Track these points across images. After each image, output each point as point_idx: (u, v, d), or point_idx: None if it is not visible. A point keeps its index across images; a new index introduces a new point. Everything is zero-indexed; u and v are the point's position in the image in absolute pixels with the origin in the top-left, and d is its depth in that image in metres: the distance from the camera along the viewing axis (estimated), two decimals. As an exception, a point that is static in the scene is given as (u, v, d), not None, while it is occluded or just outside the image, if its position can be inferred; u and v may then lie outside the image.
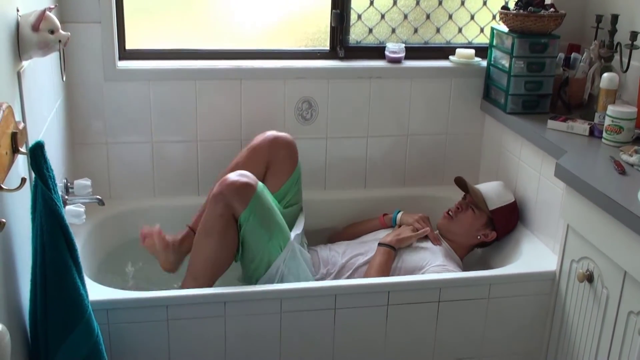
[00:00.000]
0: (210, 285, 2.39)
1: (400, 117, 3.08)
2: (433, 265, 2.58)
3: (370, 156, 3.12)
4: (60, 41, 1.88)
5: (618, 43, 2.70)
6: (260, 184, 2.45)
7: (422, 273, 2.56)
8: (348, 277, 2.59)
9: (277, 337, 2.35)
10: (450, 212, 2.76)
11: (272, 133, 2.70)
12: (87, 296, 1.85)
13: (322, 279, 2.60)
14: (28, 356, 1.82)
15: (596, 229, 2.15)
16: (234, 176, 2.41)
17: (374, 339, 2.43)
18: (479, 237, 2.74)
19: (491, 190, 2.79)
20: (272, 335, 2.35)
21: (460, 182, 2.83)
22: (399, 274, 2.57)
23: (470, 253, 2.82)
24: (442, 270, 2.55)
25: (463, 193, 2.83)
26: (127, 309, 2.23)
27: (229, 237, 2.41)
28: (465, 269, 2.65)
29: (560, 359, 2.42)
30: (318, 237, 2.93)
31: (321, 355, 2.41)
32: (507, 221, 2.77)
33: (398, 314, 2.41)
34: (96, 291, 2.20)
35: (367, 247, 2.71)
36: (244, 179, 2.39)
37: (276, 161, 2.67)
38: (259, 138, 2.70)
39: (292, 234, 2.54)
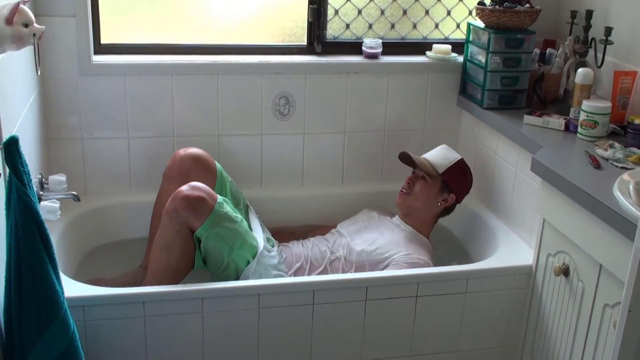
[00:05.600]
0: None
1: (378, 113, 3.08)
2: (399, 255, 2.55)
3: (348, 152, 3.11)
4: (34, 35, 1.85)
5: (592, 38, 2.72)
6: (219, 198, 2.39)
7: (387, 264, 2.54)
8: (322, 272, 2.58)
9: (255, 333, 2.34)
10: (403, 189, 2.75)
11: (178, 152, 2.66)
12: (62, 293, 1.83)
13: (296, 274, 2.59)
14: (2, 354, 1.79)
15: (572, 223, 2.16)
16: (187, 190, 2.34)
17: (352, 334, 2.43)
18: (439, 204, 2.73)
19: (435, 155, 2.78)
20: (250, 331, 2.34)
21: (405, 158, 2.79)
22: (365, 268, 2.56)
23: (446, 246, 2.83)
24: (408, 260, 2.53)
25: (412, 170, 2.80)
26: (103, 305, 2.21)
27: (187, 249, 2.37)
28: (441, 263, 2.64)
29: (536, 352, 2.45)
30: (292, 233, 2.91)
31: (299, 350, 2.41)
32: (461, 180, 2.76)
33: (376, 308, 2.41)
34: (72, 287, 2.18)
35: (339, 241, 2.70)
36: (196, 193, 2.33)
37: (192, 178, 2.50)
38: (168, 163, 2.66)
39: (260, 245, 2.48)
